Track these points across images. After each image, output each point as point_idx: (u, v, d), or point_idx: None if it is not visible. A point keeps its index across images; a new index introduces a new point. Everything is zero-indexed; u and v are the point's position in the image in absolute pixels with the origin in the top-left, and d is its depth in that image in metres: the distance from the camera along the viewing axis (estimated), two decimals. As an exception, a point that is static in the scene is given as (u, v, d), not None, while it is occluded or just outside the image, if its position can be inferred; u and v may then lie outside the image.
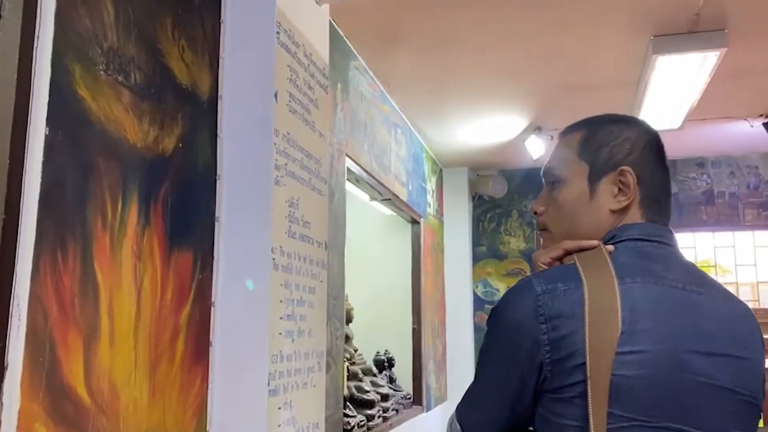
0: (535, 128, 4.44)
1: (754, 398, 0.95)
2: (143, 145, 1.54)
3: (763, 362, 0.97)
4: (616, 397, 0.87)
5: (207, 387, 1.73)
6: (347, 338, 4.50)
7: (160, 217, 1.58)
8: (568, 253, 1.02)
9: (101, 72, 1.40)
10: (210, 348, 1.75)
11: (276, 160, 1.85)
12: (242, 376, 1.74)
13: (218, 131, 1.83)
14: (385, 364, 4.23)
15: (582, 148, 1.08)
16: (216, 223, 1.80)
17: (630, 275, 0.94)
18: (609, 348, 0.87)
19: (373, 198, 3.92)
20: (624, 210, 1.03)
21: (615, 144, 1.06)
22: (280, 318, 1.83)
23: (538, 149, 4.55)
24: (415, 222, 4.69)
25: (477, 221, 5.68)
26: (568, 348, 0.89)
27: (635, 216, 1.03)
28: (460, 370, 5.37)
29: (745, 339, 0.96)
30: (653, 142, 1.10)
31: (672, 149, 5.44)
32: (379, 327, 4.65)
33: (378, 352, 4.28)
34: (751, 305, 5.10)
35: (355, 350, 4.47)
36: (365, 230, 4.80)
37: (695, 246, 5.35)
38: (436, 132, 4.63)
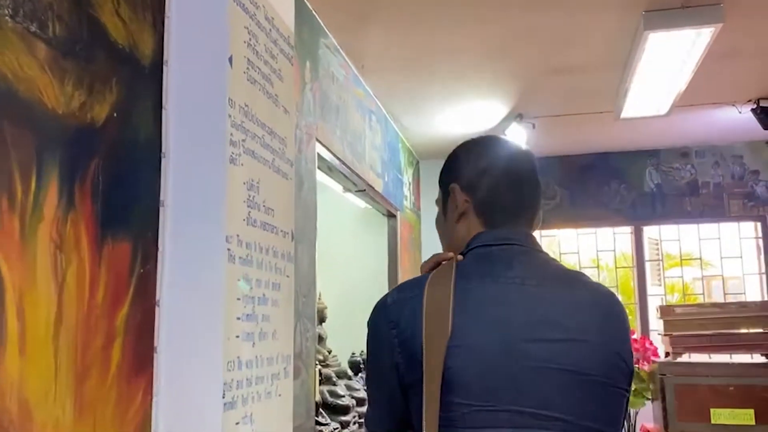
0: (516, 115, 4.23)
1: (606, 378, 1.02)
2: (66, 112, 1.27)
3: (619, 344, 1.05)
4: (451, 387, 0.97)
5: (150, 401, 1.47)
6: (320, 339, 4.24)
7: (88, 199, 1.32)
8: (437, 263, 1.13)
9: (7, 18, 1.13)
10: (154, 355, 1.49)
11: (231, 135, 1.59)
12: (193, 388, 1.49)
13: (163, 101, 1.57)
14: (361, 365, 3.99)
15: (439, 178, 1.26)
16: (161, 208, 1.54)
17: (467, 278, 1.05)
18: (441, 343, 0.97)
19: (346, 189, 3.68)
20: (466, 222, 1.16)
21: (450, 166, 1.23)
22: (238, 318, 1.58)
23: (519, 138, 4.34)
24: (391, 215, 4.45)
25: (455, 215, 5.45)
26: (412, 348, 1.01)
27: (478, 226, 1.14)
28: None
29: (590, 324, 1.04)
30: (495, 152, 1.20)
31: (655, 139, 5.32)
32: (355, 327, 4.39)
33: (353, 354, 4.04)
34: (739, 299, 4.97)
35: (329, 352, 4.22)
36: (339, 224, 4.55)
37: (679, 239, 5.19)
38: (412, 120, 4.40)
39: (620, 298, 1.18)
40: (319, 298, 4.38)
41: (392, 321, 1.07)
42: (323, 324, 4.31)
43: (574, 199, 5.19)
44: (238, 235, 1.59)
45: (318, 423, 2.88)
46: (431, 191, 5.32)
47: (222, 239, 1.52)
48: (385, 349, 1.07)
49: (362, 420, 3.45)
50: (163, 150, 1.56)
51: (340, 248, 4.54)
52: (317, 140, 2.78)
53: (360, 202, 4.20)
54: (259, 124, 1.75)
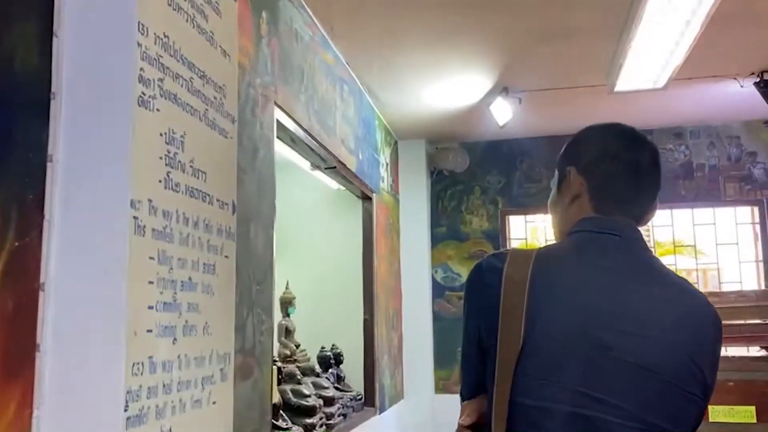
0: (502, 89, 3.90)
1: (674, 378, 1.02)
2: None
3: (695, 349, 1.04)
4: (523, 359, 1.01)
5: (30, 416, 1.11)
6: (287, 332, 3.89)
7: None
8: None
9: None
10: (36, 355, 1.14)
11: (142, 70, 1.23)
12: (87, 398, 1.13)
13: (54, 26, 1.21)
14: (331, 360, 3.65)
15: (558, 162, 1.23)
16: (48, 164, 1.18)
17: (557, 259, 1.11)
18: (517, 316, 1.03)
19: (315, 166, 3.32)
20: (578, 205, 1.16)
21: (570, 149, 1.21)
22: (151, 308, 1.23)
23: (504, 114, 4.02)
24: (366, 198, 4.11)
25: (436, 199, 5.13)
26: (492, 315, 1.05)
27: (588, 210, 1.14)
28: (418, 365, 4.82)
29: (669, 324, 1.04)
30: (617, 139, 1.18)
31: (648, 118, 5.01)
32: (326, 318, 4.07)
33: (323, 348, 3.69)
34: (734, 287, 4.71)
35: (297, 346, 3.87)
36: (309, 206, 4.21)
37: (672, 224, 4.90)
38: (389, 95, 4.05)
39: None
40: (287, 287, 4.04)
41: (483, 284, 1.10)
42: (290, 316, 3.98)
43: (562, 182, 4.88)
44: (150, 201, 1.23)
45: (277, 428, 2.54)
46: (411, 173, 4.99)
47: (126, 204, 1.16)
48: (474, 311, 1.13)
49: (329, 422, 3.11)
50: (52, 89, 1.20)
51: (311, 233, 4.19)
52: (276, 105, 2.42)
53: (332, 183, 3.85)
54: (186, 64, 1.39)
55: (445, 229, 5.10)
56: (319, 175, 3.58)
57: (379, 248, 4.20)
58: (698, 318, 1.07)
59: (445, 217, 5.11)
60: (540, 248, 1.14)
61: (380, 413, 4.01)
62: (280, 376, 2.62)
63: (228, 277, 1.60)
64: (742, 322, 4.04)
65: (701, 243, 4.97)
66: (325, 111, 3.13)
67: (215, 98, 1.53)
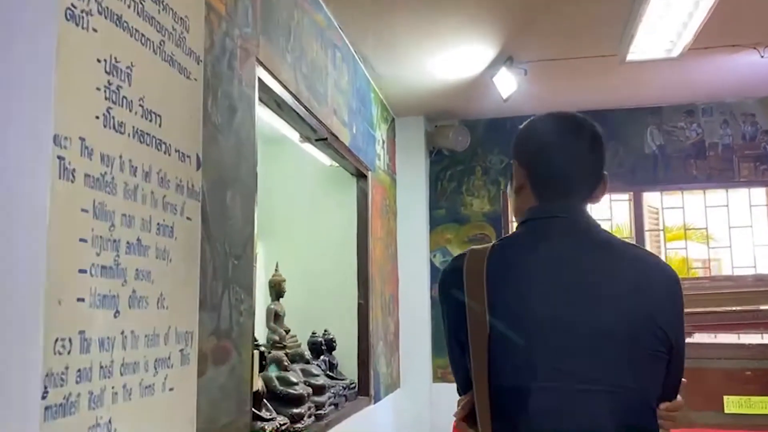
0: (506, 59, 3.65)
1: (634, 339, 1.09)
2: None
3: (653, 309, 1.10)
4: (493, 346, 1.09)
5: (-77, 403, 0.89)
6: (277, 316, 3.66)
7: None
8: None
9: None
10: (-67, 327, 0.91)
11: (72, -23, 0.99)
12: (-3, 381, 0.90)
13: None
14: (322, 347, 3.43)
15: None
16: (-49, 91, 0.94)
17: (511, 248, 1.18)
18: (480, 308, 1.10)
19: (304, 137, 3.08)
20: (523, 195, 1.22)
21: (514, 143, 1.27)
22: (83, 271, 0.99)
23: (508, 86, 3.77)
24: (361, 175, 3.87)
25: (435, 180, 4.89)
26: (459, 310, 1.13)
27: (531, 200, 1.20)
28: (415, 352, 4.60)
29: (623, 290, 1.11)
30: (551, 128, 1.23)
31: (658, 94, 4.73)
32: (318, 303, 3.84)
33: (314, 333, 3.47)
34: (748, 272, 4.48)
35: (287, 331, 3.65)
36: (300, 183, 3.97)
37: (683, 207, 4.67)
38: (386, 66, 3.80)
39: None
40: (276, 270, 3.81)
41: (450, 285, 1.18)
42: (281, 300, 3.75)
43: (567, 162, 4.65)
44: (83, 140, 1.00)
45: (259, 418, 2.31)
46: (409, 152, 4.75)
47: (47, 139, 0.93)
48: (446, 311, 1.20)
49: (319, 412, 2.89)
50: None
51: (302, 212, 3.95)
52: (258, 61, 2.18)
53: (324, 159, 3.61)
54: (134, -19, 1.15)
55: (444, 212, 4.86)
56: (309, 149, 3.35)
57: (374, 229, 3.97)
58: (653, 280, 1.13)
59: (444, 198, 4.87)
60: (494, 242, 1.20)
61: (375, 402, 3.79)
62: (263, 362, 2.40)
63: (191, 242, 1.36)
64: (760, 307, 3.83)
65: (713, 228, 4.74)
66: (316, 76, 2.89)
67: (174, 30, 1.29)
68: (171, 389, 1.24)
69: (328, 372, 3.49)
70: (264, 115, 2.80)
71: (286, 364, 2.75)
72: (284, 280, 3.70)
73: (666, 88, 4.31)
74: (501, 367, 1.08)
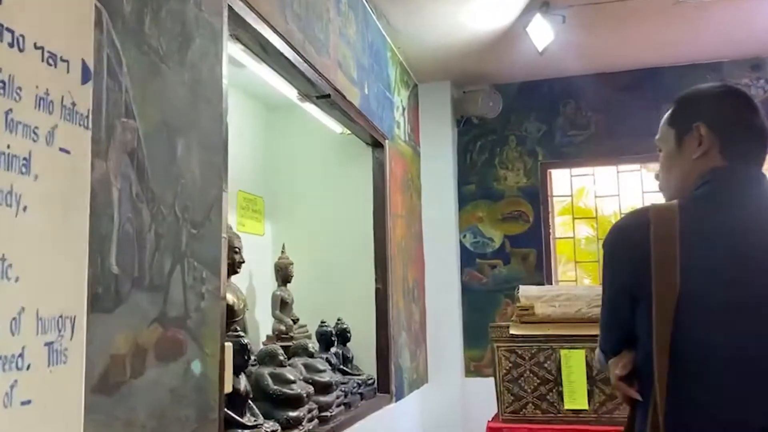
0: (542, 4, 3.15)
1: None
2: None
3: None
4: (681, 302, 1.11)
5: None
6: (283, 304, 3.25)
7: None
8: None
9: None
10: None
11: None
12: None
13: None
14: (332, 338, 2.99)
15: (671, 118, 1.33)
16: None
17: (698, 209, 1.20)
18: (671, 265, 1.11)
19: (303, 95, 2.64)
20: (706, 159, 1.25)
21: (692, 107, 1.29)
22: None
23: (544, 36, 3.27)
24: (377, 144, 3.42)
25: (464, 152, 4.40)
26: (644, 267, 1.15)
27: (716, 162, 1.24)
28: (444, 344, 4.14)
29: None
30: (732, 96, 1.30)
31: (717, 48, 3.86)
32: (331, 288, 3.41)
33: (323, 323, 3.04)
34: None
35: (295, 321, 3.23)
36: (308, 155, 3.54)
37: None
38: (402, 17, 3.33)
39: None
40: (283, 252, 3.40)
41: (630, 242, 1.20)
42: (288, 285, 3.33)
43: (614, 128, 4.11)
44: None
45: (239, 425, 1.89)
46: (433, 122, 4.26)
47: None
48: (622, 267, 1.22)
49: (324, 414, 2.47)
50: None
51: (313, 187, 3.53)
52: (226, -17, 1.75)
53: (335, 126, 3.18)
54: None
55: (474, 187, 4.37)
56: (317, 114, 2.91)
57: (393, 205, 3.52)
58: None
59: (474, 172, 4.38)
60: (680, 201, 1.21)
61: (396, 400, 3.35)
62: (247, 357, 1.98)
63: (73, 187, 0.94)
64: None
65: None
66: (313, 18, 2.45)
67: None
68: (25, 402, 0.82)
69: (341, 366, 3.06)
70: (262, 73, 2.39)
71: (282, 358, 2.32)
72: (292, 264, 3.28)
73: (727, 40, 3.74)
74: (688, 327, 1.10)
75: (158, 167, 1.44)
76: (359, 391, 2.96)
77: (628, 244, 1.20)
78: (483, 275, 4.29)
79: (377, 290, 3.34)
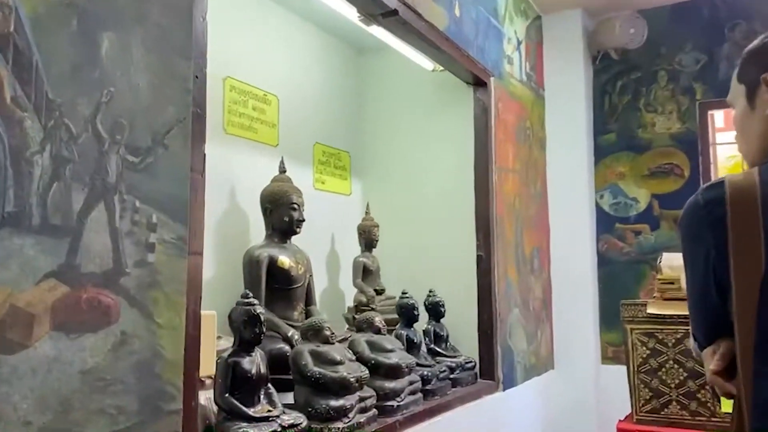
0: None
1: None
2: None
3: None
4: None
5: None
6: (366, 272, 2.81)
7: None
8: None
9: None
10: None
11: None
12: None
13: None
14: (414, 312, 2.50)
15: (739, 73, 1.18)
16: None
17: None
18: (756, 244, 0.98)
19: (364, 13, 2.14)
20: None
21: (759, 57, 1.14)
22: None
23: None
24: (479, 83, 2.84)
25: (601, 94, 3.64)
26: (725, 253, 1.01)
27: None
28: (575, 324, 3.47)
29: None
30: None
31: None
32: (427, 256, 2.92)
33: (404, 293, 2.56)
34: None
35: (380, 291, 2.79)
36: (398, 101, 3.06)
37: None
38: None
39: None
40: (367, 212, 2.95)
41: (710, 218, 1.04)
42: (373, 251, 2.89)
43: None
44: None
45: (244, 418, 1.49)
46: (561, 59, 3.55)
47: None
48: (702, 251, 1.06)
49: (388, 404, 2.01)
50: None
51: (400, 136, 3.05)
52: None
53: (424, 62, 2.66)
54: None
55: (614, 137, 3.61)
56: (399, 47, 2.43)
57: (501, 157, 2.93)
58: None
59: (614, 119, 3.61)
60: (760, 167, 1.05)
61: (504, 389, 2.79)
62: (260, 330, 1.55)
63: None
64: None
65: None
66: None
67: None
68: None
69: (432, 346, 2.57)
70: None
71: (327, 333, 1.88)
72: (377, 226, 2.84)
73: None
74: None
75: (62, 67, 1.05)
76: (449, 376, 2.46)
77: (704, 222, 1.05)
78: (625, 243, 3.54)
79: (479, 258, 2.79)
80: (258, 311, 1.55)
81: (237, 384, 1.51)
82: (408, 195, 2.99)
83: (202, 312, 1.29)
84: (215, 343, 1.38)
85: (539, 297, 3.35)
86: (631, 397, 2.55)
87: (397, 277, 2.83)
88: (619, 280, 3.49)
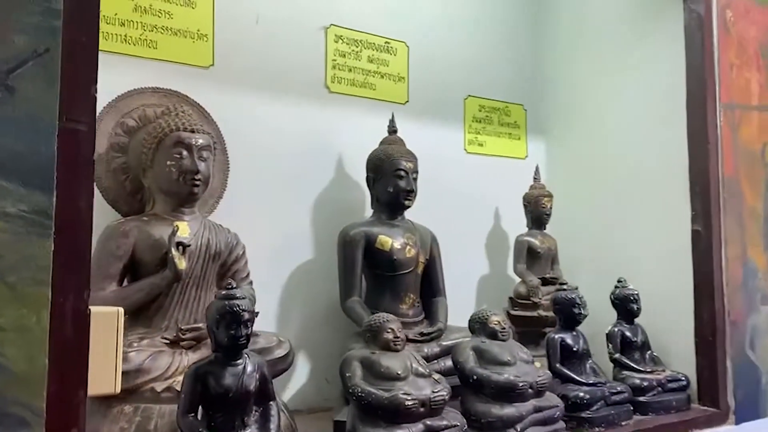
0: None
1: None
2: None
3: None
4: None
5: None
6: (532, 255, 2.21)
7: None
8: None
9: None
10: None
11: None
12: None
13: None
14: (574, 309, 1.81)
15: None
16: None
17: None
18: None
19: None
20: None
21: None
22: None
23: None
24: (690, -11, 2.01)
25: None
26: None
27: None
28: None
29: None
30: None
31: None
32: (622, 233, 2.19)
33: (562, 285, 1.89)
34: None
35: (551, 280, 2.15)
36: (583, 27, 2.36)
37: None
38: None
39: None
40: (536, 176, 2.28)
41: None
42: (544, 227, 2.23)
43: None
44: None
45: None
46: None
47: None
48: None
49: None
50: None
51: (590, 83, 2.34)
52: None
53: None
54: None
55: None
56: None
57: (727, 89, 2.04)
58: None
59: None
60: None
61: (738, 422, 1.93)
62: (240, 325, 1.14)
63: None
64: None
65: None
66: None
67: None
68: None
69: (618, 356, 1.88)
70: None
71: (390, 338, 1.40)
72: (548, 196, 2.22)
73: None
74: None
75: None
76: (636, 399, 1.76)
77: None
78: None
79: (695, 235, 1.98)
80: (238, 307, 1.16)
81: (212, 403, 1.15)
82: (599, 155, 2.28)
83: (96, 308, 0.97)
84: (119, 349, 1.04)
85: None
86: None
87: (581, 263, 2.17)
88: None
